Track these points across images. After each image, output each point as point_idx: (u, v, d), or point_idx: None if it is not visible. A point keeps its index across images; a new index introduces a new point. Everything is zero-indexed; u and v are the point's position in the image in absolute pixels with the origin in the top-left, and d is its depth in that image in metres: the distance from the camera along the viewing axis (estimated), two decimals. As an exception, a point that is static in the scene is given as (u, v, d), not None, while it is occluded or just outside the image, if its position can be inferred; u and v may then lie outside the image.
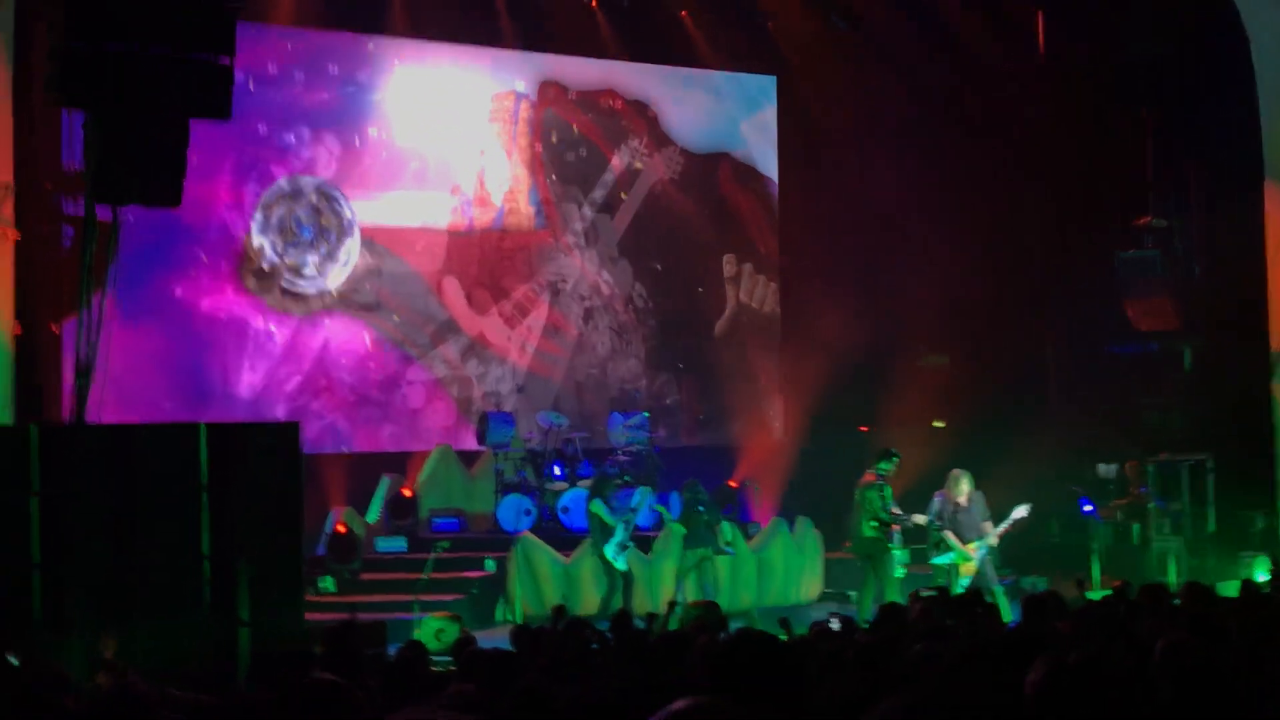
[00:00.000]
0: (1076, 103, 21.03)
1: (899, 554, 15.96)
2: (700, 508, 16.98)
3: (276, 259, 19.92)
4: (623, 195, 22.57)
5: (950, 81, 22.11)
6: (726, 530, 17.60)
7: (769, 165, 23.73)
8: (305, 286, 20.14)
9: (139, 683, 3.98)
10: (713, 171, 23.35)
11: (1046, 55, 21.67)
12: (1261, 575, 14.03)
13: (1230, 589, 11.88)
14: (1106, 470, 21.28)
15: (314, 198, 20.25)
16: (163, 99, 11.41)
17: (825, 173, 22.82)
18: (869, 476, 16.07)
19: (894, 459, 16.15)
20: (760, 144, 23.70)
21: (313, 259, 20.18)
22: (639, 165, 22.70)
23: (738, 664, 2.92)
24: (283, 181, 20.08)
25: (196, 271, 19.43)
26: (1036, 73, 21.74)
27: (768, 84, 23.63)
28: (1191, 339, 20.75)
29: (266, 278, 19.87)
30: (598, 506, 16.74)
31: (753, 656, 2.97)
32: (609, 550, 16.59)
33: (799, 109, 23.20)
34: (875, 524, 15.79)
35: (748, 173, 23.62)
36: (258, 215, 19.82)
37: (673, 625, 10.98)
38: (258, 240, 19.82)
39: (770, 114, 23.72)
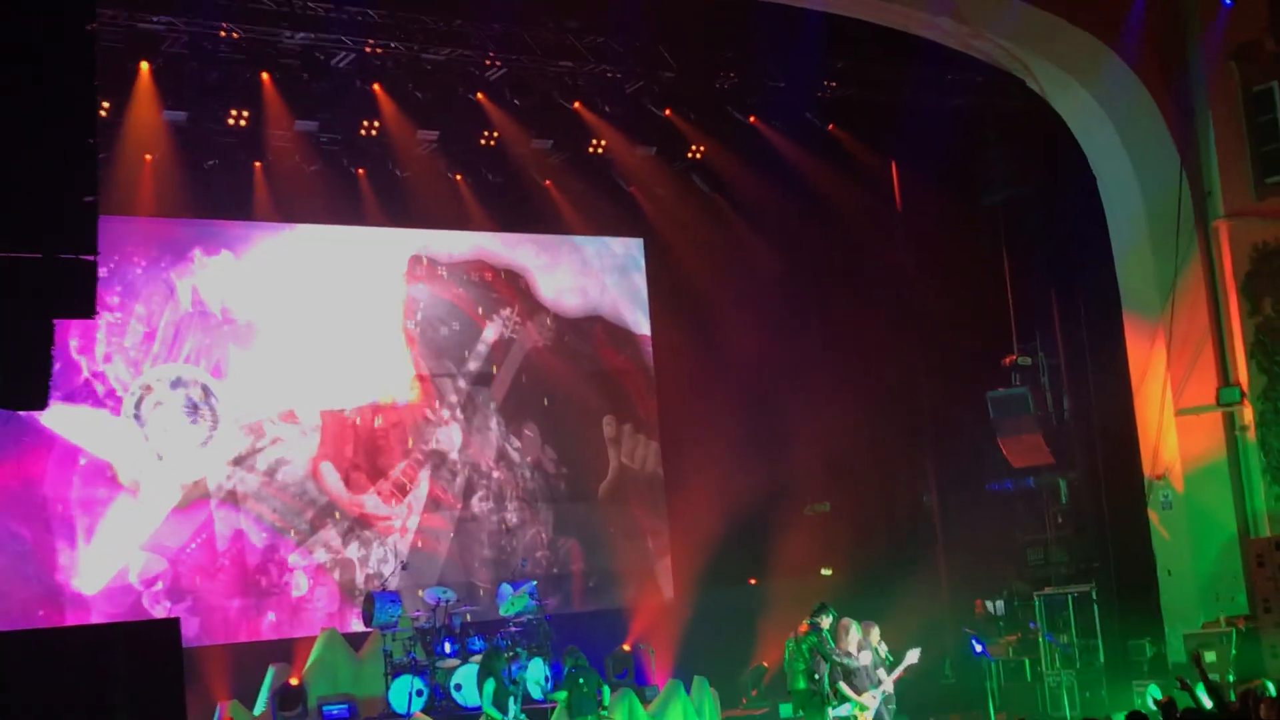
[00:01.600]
0: (937, 247, 21.55)
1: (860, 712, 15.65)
2: (580, 676, 16.84)
3: (143, 448, 19.62)
4: (497, 367, 22.58)
5: (813, 236, 22.61)
6: (606, 696, 17.40)
7: (642, 326, 23.92)
8: (175, 476, 19.81)
9: None
10: (588, 335, 23.48)
11: (904, 204, 22.25)
12: (1152, 703, 14.12)
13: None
14: (995, 608, 21.47)
15: (183, 385, 20.01)
16: (25, 300, 11.22)
17: (698, 331, 23.06)
18: (802, 628, 15.95)
19: (829, 612, 15.88)
20: (632, 306, 23.90)
21: (182, 447, 19.89)
22: (513, 334, 22.76)
23: None
24: (153, 369, 19.85)
25: (67, 463, 19.08)
26: (894, 220, 22.27)
27: (635, 247, 23.92)
28: (1066, 472, 21.11)
29: (136, 467, 19.53)
30: (489, 687, 16.48)
31: None
32: None
33: (668, 270, 23.48)
34: (815, 676, 15.61)
35: (622, 335, 23.78)
36: (126, 405, 19.55)
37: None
38: (125, 429, 19.51)
39: (639, 277, 23.96)
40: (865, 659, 15.63)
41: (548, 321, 23.11)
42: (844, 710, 15.45)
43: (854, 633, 15.67)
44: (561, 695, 16.87)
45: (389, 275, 21.85)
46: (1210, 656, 16.28)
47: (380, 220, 21.46)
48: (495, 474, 22.37)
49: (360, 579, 20.87)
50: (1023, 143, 20.92)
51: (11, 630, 14.40)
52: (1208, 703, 11.71)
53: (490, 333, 22.60)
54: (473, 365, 22.38)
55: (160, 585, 19.51)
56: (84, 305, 11.69)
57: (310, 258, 21.24)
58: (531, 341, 22.92)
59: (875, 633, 15.91)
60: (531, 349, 22.91)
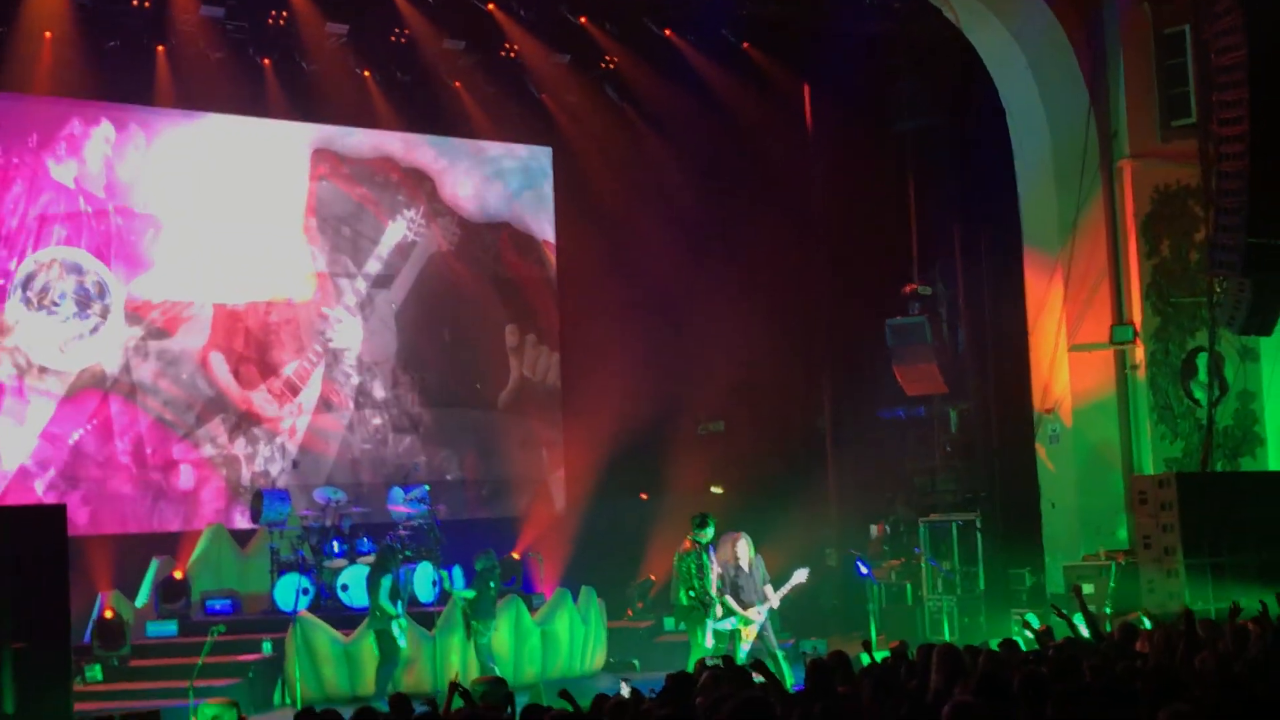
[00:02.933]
0: (845, 172, 21.59)
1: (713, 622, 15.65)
2: (490, 579, 16.85)
3: (32, 335, 19.25)
4: (398, 268, 22.37)
5: (724, 153, 22.56)
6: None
7: (548, 236, 23.80)
8: (64, 363, 19.47)
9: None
10: (493, 242, 23.32)
11: (815, 127, 22.25)
12: (1029, 631, 14.37)
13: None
14: (879, 532, 21.77)
15: (72, 271, 19.63)
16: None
17: (603, 243, 22.96)
18: (686, 544, 15.92)
19: (709, 524, 15.84)
20: (539, 215, 23.77)
21: (72, 334, 19.54)
22: (416, 236, 22.54)
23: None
24: (40, 254, 19.43)
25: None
26: (805, 143, 22.28)
27: (544, 155, 23.74)
28: (958, 402, 21.37)
29: (20, 355, 19.15)
30: (386, 583, 16.40)
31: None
32: (397, 626, 16.30)
33: (575, 180, 23.34)
34: (690, 592, 15.62)
35: (527, 243, 23.65)
36: (14, 289, 19.13)
37: (456, 704, 10.77)
38: (12, 315, 19.12)
39: (547, 186, 23.80)
40: (756, 574, 15.70)
41: (453, 226, 22.92)
42: (726, 624, 15.50)
43: (743, 545, 15.71)
44: (470, 594, 16.86)
45: (291, 170, 21.52)
46: (1088, 589, 16.59)
47: (285, 114, 21.10)
48: (390, 377, 22.22)
49: (248, 476, 20.70)
50: (935, 72, 20.94)
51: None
52: (1084, 632, 11.95)
53: (393, 234, 22.36)
54: (373, 266, 22.15)
55: (51, 473, 19.21)
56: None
57: (211, 148, 20.83)
58: (435, 245, 22.72)
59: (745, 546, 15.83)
60: (435, 253, 22.72)
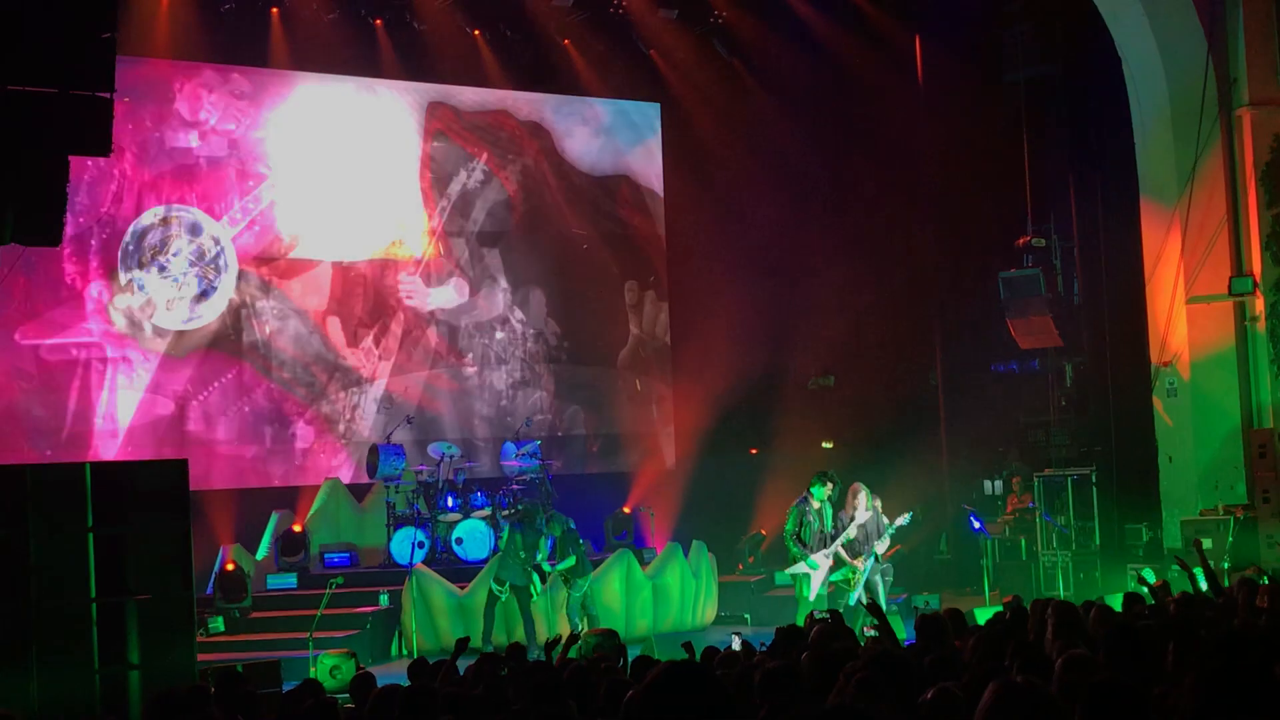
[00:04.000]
0: (957, 124, 21.34)
1: (815, 573, 15.74)
2: (580, 540, 16.96)
3: (146, 294, 19.63)
4: (512, 224, 22.50)
5: (832, 107, 22.39)
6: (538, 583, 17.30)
7: (656, 192, 23.80)
8: (177, 322, 19.84)
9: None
10: (604, 198, 23.35)
11: (925, 78, 21.99)
12: (1145, 586, 14.24)
13: (1117, 602, 12.05)
14: (993, 487, 21.61)
15: (188, 230, 19.99)
16: (42, 135, 11.17)
17: (712, 199, 22.94)
18: (797, 498, 16.03)
19: (824, 483, 15.92)
20: (648, 171, 23.76)
21: (186, 293, 19.91)
22: (530, 192, 22.65)
23: (671, 695, 2.88)
24: (157, 211, 19.79)
25: (58, 308, 19.10)
26: (917, 96, 22.04)
27: (652, 111, 23.71)
28: (1073, 356, 21.12)
29: (136, 314, 19.55)
30: (545, 547, 16.64)
31: (687, 688, 2.93)
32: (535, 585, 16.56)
33: (684, 136, 23.29)
34: (795, 544, 15.74)
35: (638, 199, 23.66)
36: (127, 247, 19.51)
37: (571, 654, 10.91)
38: (125, 275, 19.51)
39: (655, 142, 23.78)
40: (871, 526, 15.73)
41: (566, 181, 22.98)
42: (799, 568, 15.64)
43: (862, 498, 15.75)
44: (570, 562, 16.89)
45: (404, 128, 21.70)
46: (1207, 544, 16.35)
47: (396, 74, 21.28)
48: (502, 333, 22.39)
49: (364, 431, 20.99)
50: (1049, 21, 20.61)
51: (31, 463, 14.54)
52: (1204, 587, 11.80)
53: (508, 189, 22.49)
54: (487, 222, 22.30)
55: (167, 430, 19.63)
56: (100, 142, 11.66)
57: (325, 108, 21.08)
58: (549, 200, 22.81)
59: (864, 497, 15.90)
60: (549, 207, 22.80)
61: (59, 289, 19.11)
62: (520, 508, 17.85)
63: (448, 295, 21.93)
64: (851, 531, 15.64)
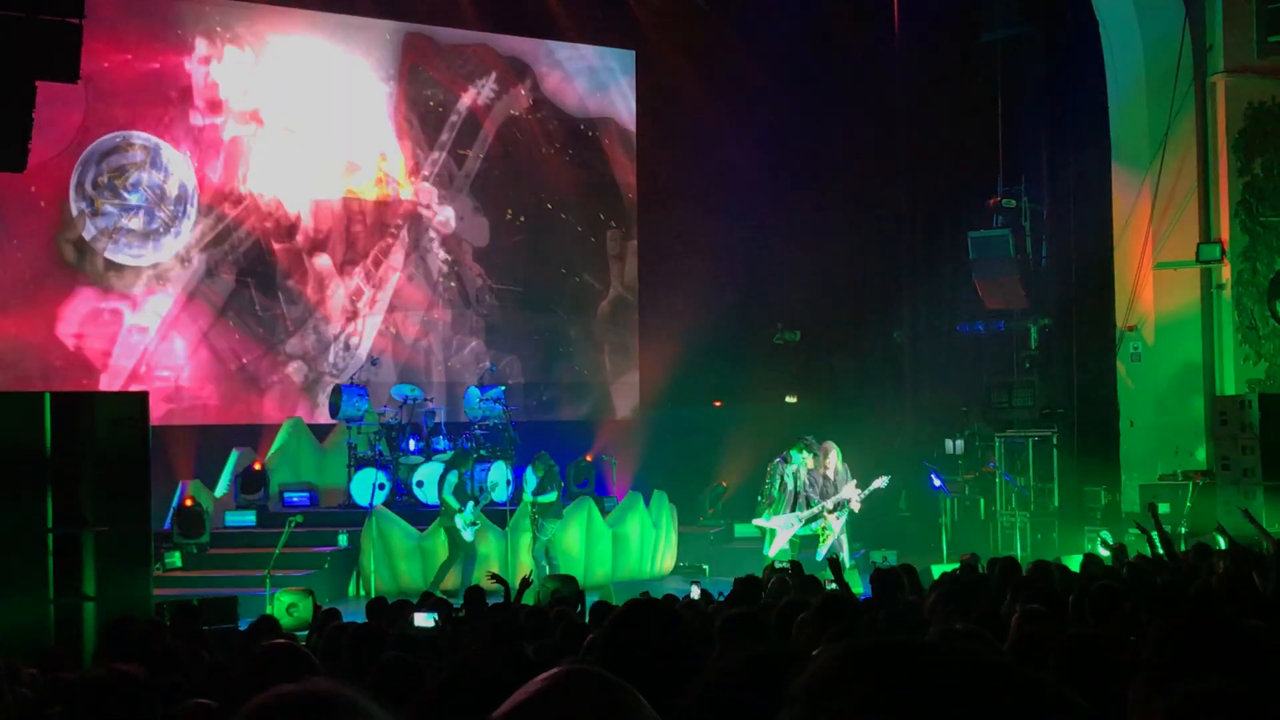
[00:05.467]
0: (931, 81, 21.27)
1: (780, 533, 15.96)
2: (561, 483, 17.10)
3: (102, 226, 19.43)
4: (492, 164, 22.37)
5: (809, 60, 22.25)
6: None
7: (629, 140, 23.71)
8: (140, 257, 19.68)
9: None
10: (584, 142, 23.24)
11: (902, 34, 21.89)
12: (1103, 549, 14.34)
13: (1074, 563, 12.12)
14: (954, 446, 21.66)
15: (146, 159, 19.80)
16: (8, 60, 11.02)
17: (683, 149, 22.83)
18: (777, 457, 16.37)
19: (805, 449, 16.16)
20: (621, 118, 23.65)
21: (147, 226, 19.73)
22: (510, 131, 22.55)
23: (636, 631, 2.85)
24: (113, 138, 19.56)
25: (11, 241, 18.90)
26: (891, 50, 21.94)
27: (627, 58, 23.57)
28: (1038, 318, 21.16)
29: (88, 248, 19.35)
30: (451, 479, 16.70)
31: (651, 621, 2.91)
32: (461, 521, 16.57)
33: (658, 84, 23.16)
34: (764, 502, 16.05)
35: (602, 148, 23.56)
36: (83, 181, 19.27)
37: (527, 599, 10.92)
38: (77, 206, 19.28)
39: (630, 88, 23.66)
40: (840, 482, 15.96)
41: (548, 124, 22.86)
42: (765, 523, 15.90)
43: (834, 456, 16.00)
44: (551, 496, 16.98)
45: (383, 63, 21.51)
46: (1164, 509, 16.45)
47: (371, 11, 21.08)
48: (474, 275, 22.29)
49: (327, 369, 20.89)
50: (1028, -19, 20.55)
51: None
52: (1160, 552, 11.86)
53: (487, 129, 22.35)
54: (466, 160, 22.17)
55: (126, 364, 19.49)
56: (67, 68, 11.52)
57: (300, 44, 20.88)
58: (530, 141, 22.69)
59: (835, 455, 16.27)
60: (529, 148, 22.69)
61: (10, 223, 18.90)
62: (454, 450, 17.90)
63: (422, 233, 21.80)
64: (829, 504, 15.89)
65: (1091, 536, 17.16)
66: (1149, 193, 18.70)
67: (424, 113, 21.83)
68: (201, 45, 20.11)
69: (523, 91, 22.62)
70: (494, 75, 22.39)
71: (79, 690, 3.77)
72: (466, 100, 22.15)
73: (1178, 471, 18.00)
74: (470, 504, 16.71)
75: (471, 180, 22.19)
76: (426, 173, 21.81)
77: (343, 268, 21.15)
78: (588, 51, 23.18)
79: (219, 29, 20.25)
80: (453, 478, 16.70)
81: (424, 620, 9.66)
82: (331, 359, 21.02)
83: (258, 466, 18.74)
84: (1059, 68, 20.54)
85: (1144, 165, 18.77)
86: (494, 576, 11.56)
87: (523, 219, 22.65)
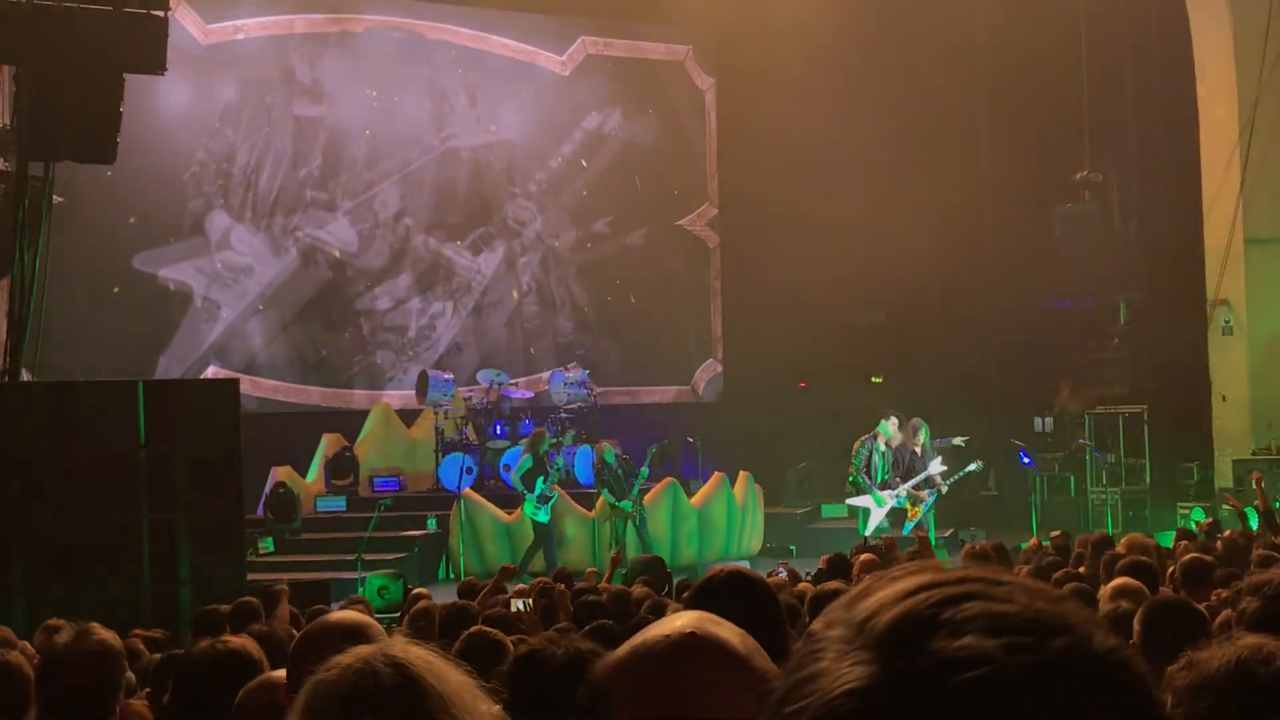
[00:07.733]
0: (1017, 54, 21.00)
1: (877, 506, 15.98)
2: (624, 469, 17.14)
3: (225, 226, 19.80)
4: (585, 159, 22.49)
5: (890, 28, 22.00)
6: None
7: (712, 126, 23.70)
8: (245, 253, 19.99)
9: (109, 636, 3.89)
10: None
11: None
12: (1194, 524, 14.18)
13: (1166, 539, 12.00)
14: (1043, 424, 21.47)
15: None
16: (96, 54, 11.19)
17: (766, 131, 22.66)
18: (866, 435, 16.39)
19: (888, 420, 16.17)
20: (701, 85, 23.71)
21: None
22: (608, 124, 22.68)
23: (722, 593, 2.86)
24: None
25: (131, 233, 19.22)
26: (974, 20, 21.69)
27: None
28: (1128, 293, 20.92)
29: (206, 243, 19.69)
30: (526, 464, 16.73)
31: (740, 589, 2.92)
32: (528, 506, 16.59)
33: (739, 66, 23.04)
34: (864, 478, 16.05)
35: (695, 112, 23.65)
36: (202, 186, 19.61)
37: (616, 581, 10.95)
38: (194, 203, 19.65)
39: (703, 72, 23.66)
40: (928, 461, 16.02)
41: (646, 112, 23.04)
42: (863, 500, 15.81)
43: (923, 434, 16.02)
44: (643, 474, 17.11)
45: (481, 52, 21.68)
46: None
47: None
48: (566, 261, 22.37)
49: (416, 357, 21.04)
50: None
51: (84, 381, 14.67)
52: (1252, 526, 11.71)
53: (590, 121, 22.51)
54: (565, 148, 22.33)
55: (223, 354, 19.77)
56: (154, 60, 11.69)
57: (405, 38, 21.08)
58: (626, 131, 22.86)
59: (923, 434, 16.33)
60: (623, 137, 22.83)
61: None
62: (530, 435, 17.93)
63: (512, 219, 21.94)
64: (917, 481, 15.93)
65: (1185, 513, 16.98)
66: (1238, 165, 18.43)
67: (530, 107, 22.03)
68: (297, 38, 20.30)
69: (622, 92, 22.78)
70: (583, 64, 22.45)
71: (191, 666, 3.83)
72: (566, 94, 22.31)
73: (1272, 445, 17.77)
74: (539, 481, 16.64)
75: (567, 170, 22.34)
76: (522, 159, 21.94)
77: (434, 252, 21.29)
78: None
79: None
80: (527, 461, 16.74)
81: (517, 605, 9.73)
82: (419, 347, 21.16)
83: (348, 452, 18.92)
84: (1146, 40, 20.27)
85: (1234, 137, 18.49)
86: (615, 559, 11.67)
87: (609, 203, 22.70)
